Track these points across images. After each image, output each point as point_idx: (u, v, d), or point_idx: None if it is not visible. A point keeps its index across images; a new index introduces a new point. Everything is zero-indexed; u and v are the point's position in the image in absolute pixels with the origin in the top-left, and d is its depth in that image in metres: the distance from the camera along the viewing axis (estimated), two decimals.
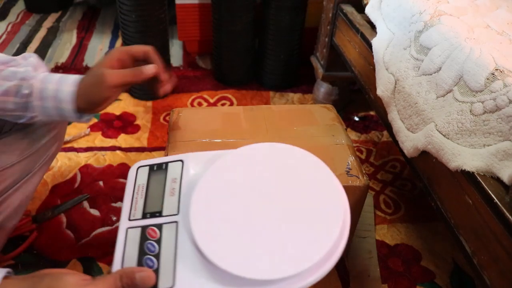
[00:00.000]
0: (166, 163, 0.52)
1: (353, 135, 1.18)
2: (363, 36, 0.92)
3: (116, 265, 0.44)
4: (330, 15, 1.12)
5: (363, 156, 1.11)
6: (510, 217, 0.48)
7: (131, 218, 0.48)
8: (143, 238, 0.46)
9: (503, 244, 0.49)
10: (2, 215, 0.68)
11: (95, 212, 0.90)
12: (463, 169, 0.55)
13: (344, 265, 0.82)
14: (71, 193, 0.95)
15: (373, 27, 0.91)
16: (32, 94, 0.58)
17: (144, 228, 0.46)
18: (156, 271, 0.43)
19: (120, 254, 0.45)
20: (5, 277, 0.43)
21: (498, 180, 0.52)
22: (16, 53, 1.31)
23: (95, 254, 0.81)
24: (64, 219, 0.88)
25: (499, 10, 0.73)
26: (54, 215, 0.88)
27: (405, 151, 0.70)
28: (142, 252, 0.45)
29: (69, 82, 0.59)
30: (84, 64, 1.48)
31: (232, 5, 1.21)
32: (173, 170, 0.51)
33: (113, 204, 0.92)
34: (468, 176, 0.55)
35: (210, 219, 0.45)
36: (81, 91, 0.59)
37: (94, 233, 0.86)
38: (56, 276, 0.42)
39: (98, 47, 1.59)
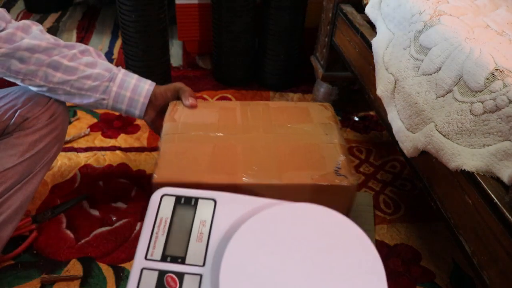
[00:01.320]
0: (197, 199, 0.47)
1: (353, 135, 1.18)
2: (363, 36, 0.92)
3: None
4: (330, 15, 1.12)
5: (363, 156, 1.11)
6: (510, 217, 0.48)
7: (148, 257, 0.43)
8: (160, 285, 0.41)
9: (503, 244, 0.49)
10: (3, 216, 0.69)
11: (95, 212, 0.90)
12: (463, 169, 0.55)
13: None
14: (71, 193, 0.95)
15: (373, 27, 0.91)
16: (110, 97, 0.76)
17: (162, 273, 0.42)
18: None
19: None
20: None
21: (498, 180, 0.52)
22: None
23: (95, 254, 0.81)
24: (64, 219, 0.88)
25: (499, 10, 0.73)
26: (54, 215, 0.88)
27: (405, 151, 0.70)
28: None
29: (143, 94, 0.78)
30: None
31: (232, 5, 1.21)
32: (203, 210, 0.47)
33: (113, 204, 0.92)
34: (468, 176, 0.55)
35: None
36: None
37: (94, 233, 0.86)
38: None
39: (98, 47, 1.59)
